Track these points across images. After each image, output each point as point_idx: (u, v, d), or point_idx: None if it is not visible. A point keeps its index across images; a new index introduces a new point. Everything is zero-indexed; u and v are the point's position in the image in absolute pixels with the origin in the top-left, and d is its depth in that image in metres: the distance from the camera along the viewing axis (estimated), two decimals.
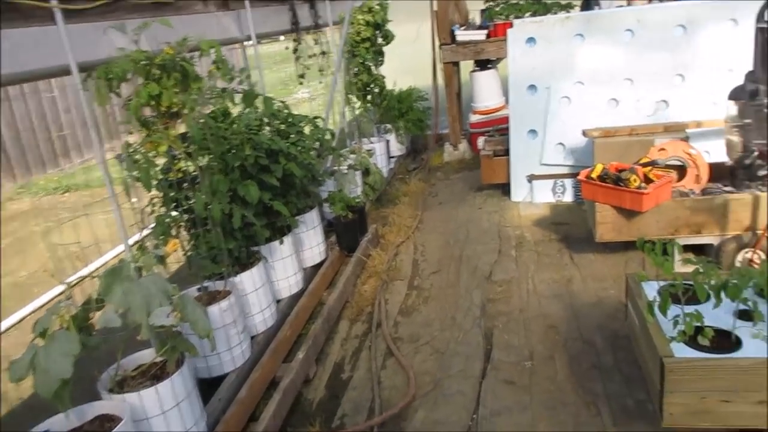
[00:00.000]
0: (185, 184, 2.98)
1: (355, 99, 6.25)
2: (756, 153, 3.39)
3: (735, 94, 3.75)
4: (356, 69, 6.02)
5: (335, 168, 4.83)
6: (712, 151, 4.51)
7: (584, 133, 4.84)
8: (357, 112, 6.35)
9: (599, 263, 4.02)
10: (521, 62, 5.17)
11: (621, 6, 6.54)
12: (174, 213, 3.02)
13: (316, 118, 4.40)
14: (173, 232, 2.96)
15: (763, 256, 3.50)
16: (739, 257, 3.56)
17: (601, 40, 4.97)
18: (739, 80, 4.78)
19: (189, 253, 3.14)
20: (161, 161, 2.85)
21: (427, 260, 4.50)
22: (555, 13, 6.50)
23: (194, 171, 2.93)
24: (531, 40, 5.12)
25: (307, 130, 4.21)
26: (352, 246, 4.58)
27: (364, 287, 4.20)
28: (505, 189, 5.55)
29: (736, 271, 2.39)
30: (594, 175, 3.75)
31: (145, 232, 2.78)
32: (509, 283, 3.95)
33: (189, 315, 2.42)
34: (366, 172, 5.48)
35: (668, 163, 4.18)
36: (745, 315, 2.23)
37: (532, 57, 5.13)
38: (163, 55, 2.31)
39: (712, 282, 2.27)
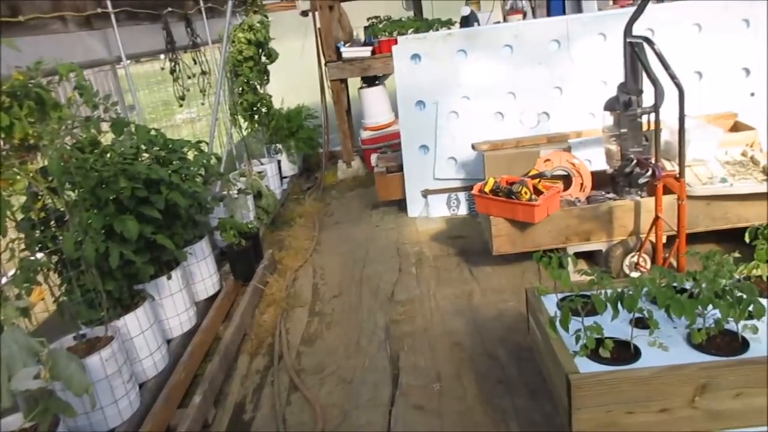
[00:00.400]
0: (51, 223, 2.67)
1: (241, 120, 6.02)
2: (635, 161, 3.56)
3: (610, 105, 3.92)
4: (241, 89, 5.79)
5: (224, 193, 4.59)
6: (593, 159, 4.72)
7: (473, 147, 4.93)
8: (244, 133, 6.12)
9: (497, 275, 4.06)
10: (408, 78, 5.18)
11: (498, 23, 6.80)
12: (40, 255, 2.70)
13: (199, 142, 4.16)
14: (40, 277, 2.63)
15: (648, 259, 3.68)
16: (626, 261, 3.72)
17: (483, 56, 5.09)
18: (612, 92, 5.07)
19: (61, 299, 2.82)
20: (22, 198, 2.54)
21: (327, 283, 4.37)
22: (437, 30, 6.63)
23: (61, 208, 2.63)
24: (416, 56, 5.15)
25: (190, 155, 3.96)
26: (247, 274, 4.35)
27: (263, 317, 3.99)
28: (401, 205, 5.53)
29: (630, 281, 2.45)
30: (487, 189, 3.79)
31: (4, 280, 2.44)
32: (412, 302, 3.90)
33: (61, 372, 2.15)
34: (258, 195, 5.27)
35: (554, 173, 4.32)
36: (641, 323, 2.29)
37: (418, 73, 5.16)
38: (12, 80, 2.04)
39: (609, 292, 2.30)
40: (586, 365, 2.15)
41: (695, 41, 4.91)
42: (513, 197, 3.69)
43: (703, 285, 2.22)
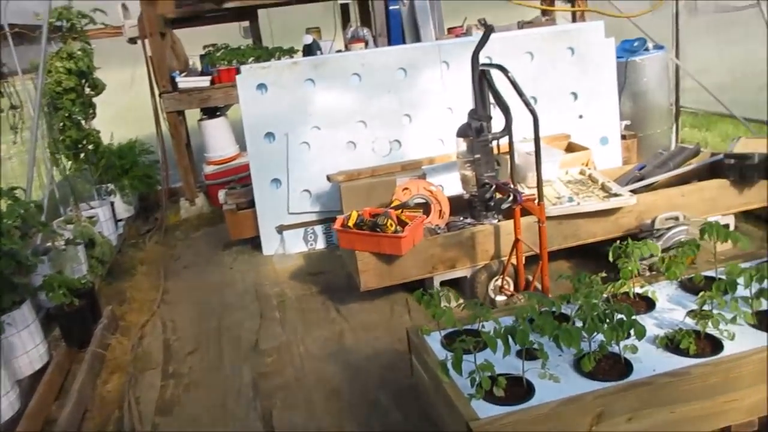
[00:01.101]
0: None
1: (64, 159, 5.33)
2: (494, 186, 3.60)
3: (462, 132, 3.95)
4: (62, 124, 5.13)
5: (49, 245, 3.97)
6: (446, 185, 4.76)
7: (329, 179, 4.76)
8: (68, 173, 5.42)
9: (366, 312, 3.90)
10: (254, 109, 4.91)
11: (340, 51, 6.75)
12: None
13: (13, 189, 3.56)
14: None
15: (511, 282, 3.73)
16: (491, 285, 3.74)
17: (332, 85, 4.97)
18: (458, 118, 5.19)
19: None
20: None
21: (180, 338, 3.92)
22: (279, 59, 6.43)
23: None
24: (262, 86, 4.89)
25: (3, 205, 3.36)
26: (83, 338, 3.76)
27: (106, 388, 3.46)
28: (255, 243, 5.20)
29: (508, 310, 2.39)
30: (350, 223, 3.63)
31: None
32: (279, 350, 3.60)
33: None
34: (90, 244, 4.65)
35: (415, 201, 4.29)
36: (528, 353, 2.23)
37: (265, 103, 4.91)
38: None
39: (495, 326, 2.22)
40: (483, 409, 2.04)
41: (529, 68, 5.19)
42: (378, 230, 3.56)
43: (585, 310, 2.21)
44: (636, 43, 6.06)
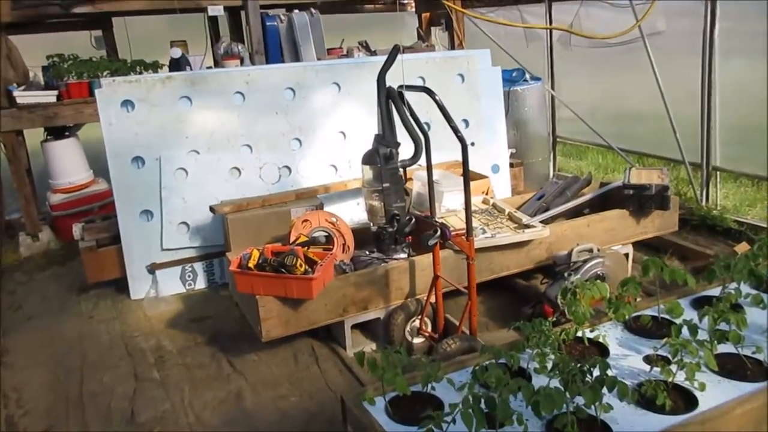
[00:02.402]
0: None
1: None
2: (413, 219, 3.29)
3: (369, 159, 3.61)
4: None
5: None
6: (343, 216, 4.39)
7: (212, 210, 4.19)
8: None
9: (266, 364, 3.39)
10: (119, 130, 4.21)
11: (211, 68, 6.17)
12: None
13: None
14: None
15: (429, 322, 3.43)
16: (408, 327, 3.41)
17: (212, 104, 4.42)
18: (352, 143, 4.88)
19: None
20: None
21: (29, 413, 3.13)
22: (141, 74, 5.71)
23: None
24: (128, 103, 4.22)
25: None
26: None
27: None
28: (119, 285, 4.45)
29: (478, 375, 2.06)
30: (251, 264, 3.12)
31: None
32: (162, 421, 2.97)
33: None
34: None
35: (314, 235, 3.86)
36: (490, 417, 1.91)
37: (132, 123, 4.23)
38: None
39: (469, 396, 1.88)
40: None
41: (421, 93, 4.99)
42: (284, 271, 3.09)
43: (562, 368, 1.94)
44: (515, 74, 6.16)
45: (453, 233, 2.96)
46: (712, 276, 2.61)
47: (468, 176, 2.93)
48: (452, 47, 6.76)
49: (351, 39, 7.00)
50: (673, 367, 2.10)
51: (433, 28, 7.37)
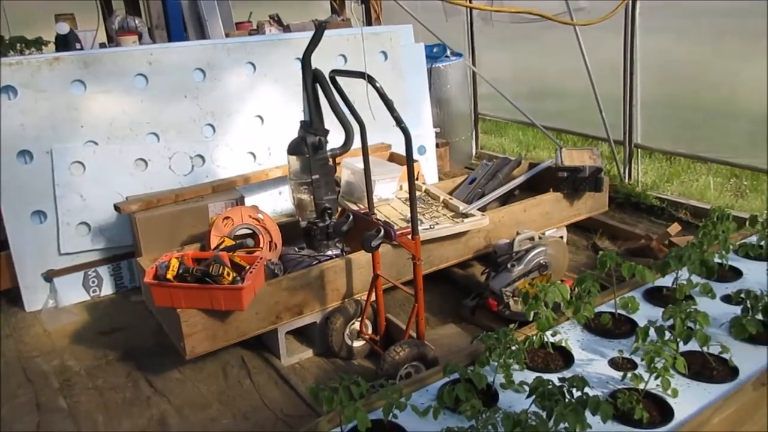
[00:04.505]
0: None
1: None
2: (351, 216, 3.03)
3: (295, 148, 3.31)
4: None
5: None
6: (265, 207, 4.06)
7: (118, 209, 3.74)
8: None
9: (191, 382, 3.04)
10: (1, 120, 3.64)
11: (104, 45, 5.58)
12: None
13: None
14: None
15: (370, 325, 3.20)
16: (347, 331, 3.16)
17: (110, 88, 3.92)
18: (269, 129, 4.51)
19: None
20: None
21: None
22: (22, 52, 5.05)
23: None
24: (9, 89, 3.65)
25: None
26: None
27: None
28: (9, 297, 3.91)
29: (445, 397, 1.86)
30: (170, 275, 2.75)
31: None
32: None
33: None
34: None
35: (237, 233, 3.52)
36: None
37: (16, 113, 3.67)
38: None
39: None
40: None
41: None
42: (209, 281, 2.75)
43: (544, 393, 1.77)
44: (436, 49, 5.97)
45: (398, 232, 2.73)
46: (666, 268, 2.53)
47: (413, 170, 2.69)
48: (369, 22, 6.46)
49: (259, 12, 6.55)
50: (644, 374, 1.99)
51: (347, 1, 7.02)
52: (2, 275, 3.83)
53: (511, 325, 2.23)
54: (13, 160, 3.69)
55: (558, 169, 4.00)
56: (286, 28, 5.96)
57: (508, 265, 3.32)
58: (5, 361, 3.34)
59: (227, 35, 5.56)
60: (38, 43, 5.13)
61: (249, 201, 4.17)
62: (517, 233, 3.48)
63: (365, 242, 2.72)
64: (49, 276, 3.83)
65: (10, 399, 3.00)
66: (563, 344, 2.27)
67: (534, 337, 2.20)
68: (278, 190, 4.53)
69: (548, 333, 2.27)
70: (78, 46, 5.13)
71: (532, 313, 2.32)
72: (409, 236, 2.71)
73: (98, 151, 3.89)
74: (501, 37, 6.06)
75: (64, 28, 5.00)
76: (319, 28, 3.25)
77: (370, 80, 2.65)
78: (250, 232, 3.55)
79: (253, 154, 4.42)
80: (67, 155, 3.80)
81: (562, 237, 4.04)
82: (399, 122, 2.60)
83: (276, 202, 4.52)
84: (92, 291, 3.98)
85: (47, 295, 3.86)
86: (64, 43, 5.05)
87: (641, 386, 1.97)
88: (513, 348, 2.14)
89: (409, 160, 2.69)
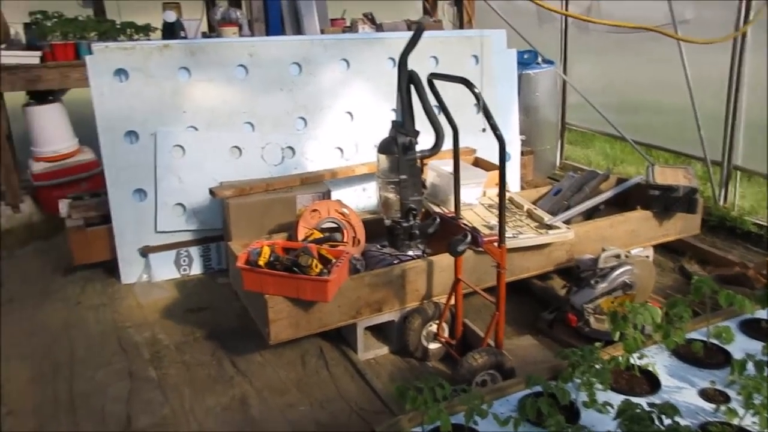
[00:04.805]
0: None
1: None
2: (437, 219, 3.06)
3: (386, 147, 3.36)
4: None
5: None
6: (349, 202, 4.14)
7: (212, 193, 3.92)
8: None
9: (272, 366, 3.16)
10: (112, 101, 3.88)
11: (207, 35, 5.83)
12: None
13: None
14: None
15: (447, 329, 3.23)
16: (424, 332, 3.20)
17: (213, 77, 4.10)
18: (358, 125, 4.60)
19: None
20: None
21: (15, 412, 2.87)
22: (132, 37, 5.34)
23: None
24: (121, 72, 3.89)
25: None
26: None
27: None
28: (108, 267, 4.17)
29: (527, 410, 1.86)
30: (261, 261, 2.87)
31: None
32: (162, 428, 2.75)
33: None
34: None
35: (324, 226, 3.62)
36: None
37: (126, 95, 3.90)
38: None
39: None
40: None
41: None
42: (296, 270, 2.85)
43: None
44: (527, 56, 5.89)
45: (485, 239, 2.73)
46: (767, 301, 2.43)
47: (504, 179, 2.69)
48: (461, 24, 6.44)
49: (352, 9, 6.65)
50: (739, 409, 1.92)
51: (440, 2, 7.03)
52: (103, 247, 4.08)
53: (597, 344, 2.20)
54: (120, 139, 3.92)
55: (649, 187, 3.89)
56: (379, 27, 6.02)
57: (592, 282, 3.26)
58: (102, 329, 3.57)
59: (322, 31, 5.68)
60: (146, 30, 5.40)
61: (334, 195, 4.26)
62: (603, 250, 3.41)
63: (452, 246, 2.74)
64: (144, 252, 4.06)
65: (105, 365, 3.21)
66: (650, 368, 2.22)
67: (620, 358, 2.16)
68: (362, 187, 4.61)
69: (635, 355, 2.22)
70: (183, 34, 5.39)
71: (618, 333, 2.27)
72: (496, 244, 2.71)
73: (198, 137, 4.08)
74: (596, 46, 5.92)
75: (171, 16, 5.26)
76: (418, 30, 3.30)
77: (469, 86, 2.66)
78: (335, 226, 3.63)
79: (340, 149, 4.52)
80: (169, 138, 4.01)
81: (648, 257, 3.93)
82: (495, 129, 2.61)
83: (359, 198, 4.60)
84: (182, 270, 4.18)
85: (141, 270, 4.09)
86: (170, 30, 5.32)
87: (735, 421, 1.91)
88: (597, 367, 2.11)
89: (501, 169, 2.69)
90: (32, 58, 4.95)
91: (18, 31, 5.43)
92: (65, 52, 5.03)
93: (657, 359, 2.34)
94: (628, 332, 2.20)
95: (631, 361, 2.20)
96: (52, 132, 5.26)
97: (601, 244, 3.62)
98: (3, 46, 5.05)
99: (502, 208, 2.69)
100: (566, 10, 5.70)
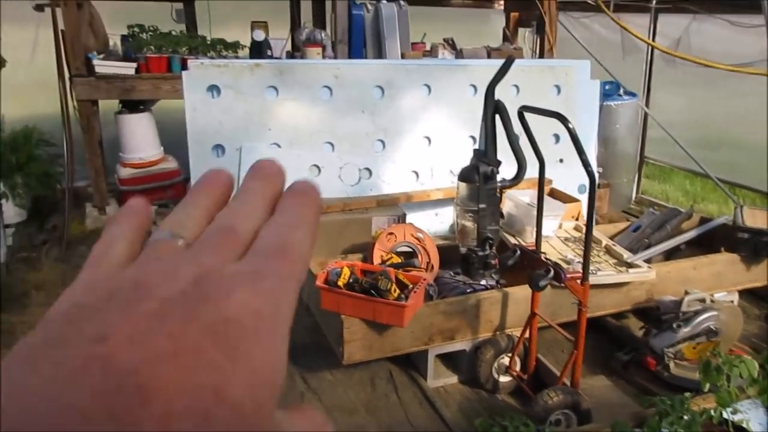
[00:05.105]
0: None
1: None
2: (517, 252, 3.03)
3: (467, 176, 3.36)
4: None
5: None
6: (422, 227, 4.16)
7: None
8: None
9: (342, 386, 3.19)
10: (203, 115, 4.04)
11: (291, 54, 5.99)
12: None
13: None
14: None
15: (519, 363, 3.18)
16: (495, 364, 3.16)
17: (298, 96, 4.22)
18: (435, 150, 4.63)
19: None
20: None
21: None
22: (221, 53, 5.55)
23: None
24: (214, 88, 4.05)
25: None
26: None
27: None
28: None
29: None
30: (340, 282, 2.91)
31: None
32: None
33: None
34: None
35: (399, 250, 3.64)
36: None
37: (217, 110, 4.06)
38: None
39: None
40: None
41: (514, 102, 4.66)
42: (374, 293, 2.88)
43: None
44: (608, 87, 5.79)
45: (569, 276, 2.69)
46: None
47: (593, 215, 2.65)
48: (541, 52, 6.40)
49: (432, 32, 6.72)
50: None
51: (521, 30, 7.02)
52: None
53: (687, 394, 2.13)
54: (208, 152, 4.08)
55: (737, 229, 3.74)
56: (459, 53, 6.07)
57: (674, 325, 3.15)
58: None
59: (403, 55, 5.77)
60: (235, 47, 5.61)
61: (407, 218, 4.29)
62: (686, 292, 3.29)
63: (533, 280, 2.71)
64: None
65: None
66: (744, 425, 2.12)
67: (713, 412, 2.08)
68: (435, 212, 4.61)
69: (728, 410, 2.13)
70: (269, 52, 5.58)
71: (707, 384, 2.18)
72: (579, 281, 2.67)
73: (280, 153, 4.19)
74: (681, 79, 5.78)
75: (260, 35, 5.46)
76: (508, 61, 3.31)
77: (564, 121, 2.64)
78: (411, 250, 3.65)
79: (416, 172, 4.55)
80: (253, 154, 4.13)
81: (732, 302, 3.76)
82: (587, 166, 2.58)
83: (431, 223, 4.60)
84: None
85: None
86: (258, 49, 5.52)
87: None
88: (686, 418, 2.03)
89: (590, 207, 2.65)
90: (128, 69, 5.22)
91: (116, 42, 5.74)
92: (158, 64, 5.29)
93: (751, 415, 2.23)
94: (722, 384, 2.11)
95: (724, 415, 2.11)
96: (140, 140, 5.52)
97: (683, 285, 3.50)
98: (102, 56, 5.35)
99: (588, 243, 2.65)
100: (653, 41, 5.58)
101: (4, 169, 4.85)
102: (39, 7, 5.33)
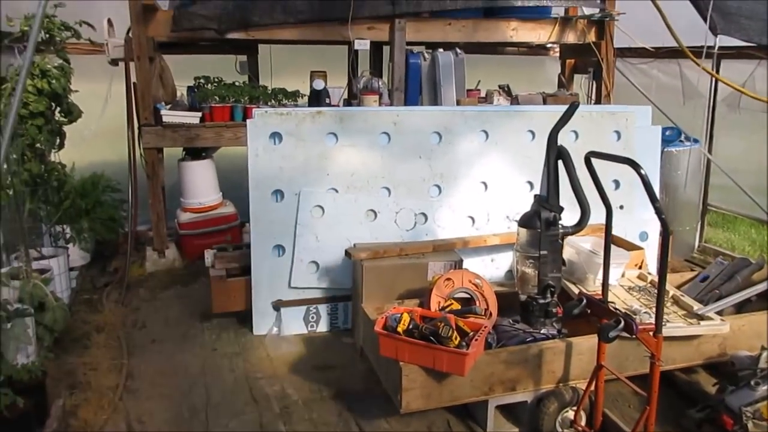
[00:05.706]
0: None
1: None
2: (584, 301, 2.93)
3: (528, 222, 3.33)
4: (22, 154, 4.20)
5: None
6: (477, 272, 4.09)
7: (348, 254, 4.01)
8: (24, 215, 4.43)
9: None
10: (265, 161, 4.14)
11: (348, 102, 6.11)
12: None
13: None
14: None
15: (584, 417, 3.04)
16: (559, 418, 3.03)
17: (357, 142, 4.28)
18: (492, 195, 4.59)
19: None
20: None
21: None
22: (281, 102, 5.71)
23: None
24: (276, 135, 4.15)
25: None
26: None
27: None
28: (240, 317, 4.35)
29: None
30: (400, 328, 2.87)
31: None
32: None
33: None
34: (39, 307, 3.69)
35: (456, 296, 3.59)
36: None
37: (278, 156, 4.15)
38: None
39: None
40: None
41: (573, 149, 4.58)
42: (433, 340, 2.82)
43: None
44: (669, 132, 5.67)
45: (641, 328, 2.58)
46: None
47: (665, 265, 2.55)
48: (598, 98, 6.35)
49: (486, 79, 6.74)
50: None
51: (576, 76, 7.00)
52: (240, 298, 4.27)
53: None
54: (267, 197, 4.15)
55: None
56: (514, 99, 6.07)
57: (752, 382, 2.97)
58: (235, 377, 3.70)
59: (458, 102, 5.81)
60: (295, 96, 5.77)
61: (463, 264, 4.23)
62: (763, 348, 3.11)
63: (602, 331, 2.61)
64: (277, 305, 4.21)
65: (238, 414, 3.30)
66: None
67: None
68: (491, 257, 4.55)
69: None
70: (328, 100, 5.71)
71: None
72: (651, 333, 2.55)
73: (338, 198, 4.23)
74: (744, 124, 5.60)
75: (320, 84, 5.61)
76: (571, 107, 3.29)
77: (636, 167, 2.59)
78: (468, 296, 3.59)
79: (472, 218, 4.51)
80: (311, 198, 4.19)
81: None
82: (660, 213, 2.51)
83: (487, 269, 4.53)
84: (310, 326, 4.28)
85: (272, 323, 4.23)
86: (317, 97, 5.65)
87: None
88: None
89: (663, 255, 2.57)
90: (193, 118, 5.41)
91: (183, 93, 5.99)
92: (222, 113, 5.47)
93: None
94: None
95: None
96: (201, 185, 5.68)
97: (758, 340, 3.32)
98: (169, 106, 5.58)
99: (660, 294, 2.55)
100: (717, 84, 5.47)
101: (72, 214, 5.04)
102: (114, 62, 5.62)
